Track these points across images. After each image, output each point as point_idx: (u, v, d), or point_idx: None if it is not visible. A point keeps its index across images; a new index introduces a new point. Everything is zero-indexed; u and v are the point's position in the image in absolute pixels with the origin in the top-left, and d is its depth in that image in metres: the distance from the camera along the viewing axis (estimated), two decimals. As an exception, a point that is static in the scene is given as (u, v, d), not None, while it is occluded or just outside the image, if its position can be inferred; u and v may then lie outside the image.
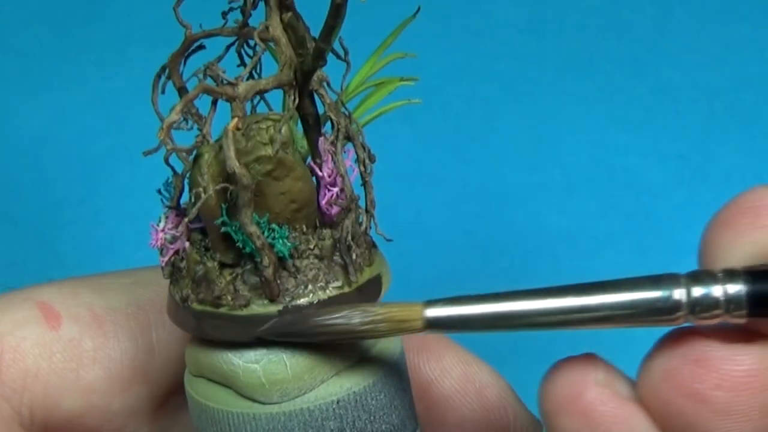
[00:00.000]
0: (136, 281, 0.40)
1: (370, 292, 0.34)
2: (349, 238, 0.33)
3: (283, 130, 0.33)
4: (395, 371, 0.34)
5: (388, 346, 0.34)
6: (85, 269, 0.61)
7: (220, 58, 0.34)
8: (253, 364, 0.34)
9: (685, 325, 0.31)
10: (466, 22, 0.62)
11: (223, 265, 0.34)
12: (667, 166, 0.61)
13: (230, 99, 0.32)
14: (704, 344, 0.31)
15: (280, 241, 0.33)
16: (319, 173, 0.33)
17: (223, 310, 0.33)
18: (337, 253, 0.33)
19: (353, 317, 0.33)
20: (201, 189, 0.32)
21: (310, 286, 0.33)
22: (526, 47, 0.62)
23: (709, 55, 0.61)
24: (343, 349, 0.33)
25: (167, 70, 0.34)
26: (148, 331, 0.39)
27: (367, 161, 0.34)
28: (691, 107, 0.61)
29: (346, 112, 0.34)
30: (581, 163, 0.62)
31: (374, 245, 0.35)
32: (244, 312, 0.33)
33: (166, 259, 0.34)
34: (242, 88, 0.32)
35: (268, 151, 0.32)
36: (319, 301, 0.33)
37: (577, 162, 0.62)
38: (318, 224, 0.34)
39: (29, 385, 0.37)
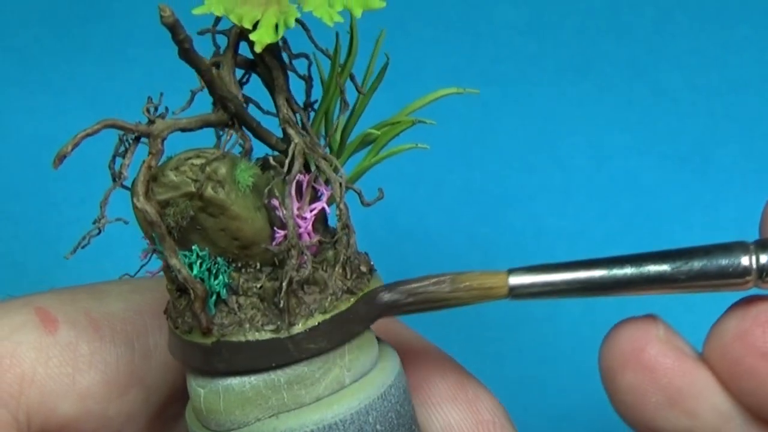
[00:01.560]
0: (134, 288, 0.40)
1: (307, 341, 0.33)
2: (287, 283, 0.33)
3: (219, 170, 0.33)
4: (346, 424, 0.34)
5: (342, 398, 0.34)
6: (85, 269, 0.61)
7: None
8: (200, 388, 0.34)
9: (753, 290, 0.33)
10: (466, 24, 0.63)
11: (182, 290, 0.34)
12: (667, 166, 0.61)
13: (145, 135, 0.32)
14: None
15: (221, 276, 0.33)
16: (276, 214, 0.33)
17: (177, 332, 0.34)
18: (282, 297, 0.33)
19: (443, 283, 0.34)
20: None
21: (246, 325, 0.33)
22: (526, 49, 0.62)
23: (709, 56, 0.61)
24: (296, 388, 0.33)
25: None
26: (145, 336, 0.39)
27: (343, 207, 0.33)
28: (691, 108, 0.61)
29: (321, 153, 0.34)
30: (581, 164, 0.62)
31: (354, 290, 0.34)
32: (188, 338, 0.34)
33: (155, 271, 0.35)
34: (159, 125, 0.32)
35: (191, 188, 0.33)
36: (248, 341, 0.33)
37: (577, 163, 0.62)
38: (278, 263, 0.34)
39: (26, 390, 0.37)
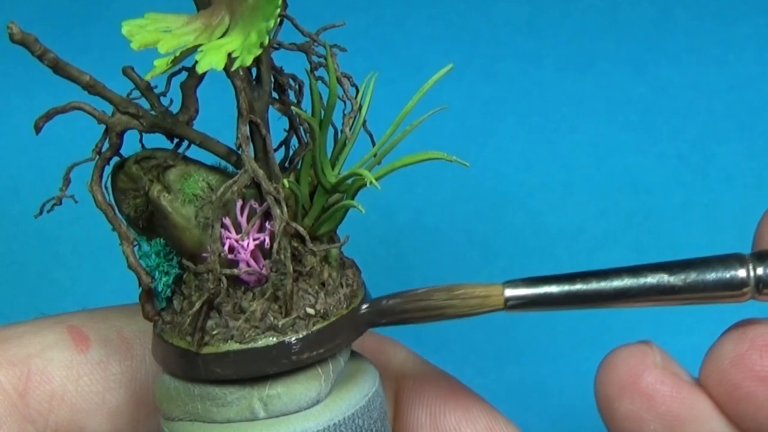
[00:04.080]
0: None
1: (215, 365, 0.32)
2: (200, 305, 0.32)
3: (168, 175, 0.33)
4: None
5: (248, 429, 0.33)
6: (85, 269, 0.61)
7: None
8: (158, 375, 0.35)
9: (750, 302, 0.34)
10: (466, 22, 0.62)
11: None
12: (667, 166, 0.61)
13: (103, 123, 0.33)
14: None
15: (169, 276, 0.34)
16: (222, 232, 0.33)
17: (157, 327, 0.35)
18: (195, 317, 0.33)
19: (439, 292, 0.34)
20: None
21: (176, 330, 0.33)
22: (525, 47, 0.62)
23: (709, 55, 0.61)
24: (207, 404, 0.33)
25: None
26: None
27: (282, 244, 0.32)
28: (691, 107, 0.61)
29: (271, 185, 0.33)
30: (581, 162, 0.62)
31: (280, 330, 0.33)
32: (156, 330, 0.35)
33: None
34: (116, 119, 0.33)
35: (144, 184, 0.33)
36: (172, 344, 0.33)
37: (576, 162, 0.62)
38: (198, 283, 0.34)
39: (55, 408, 0.37)
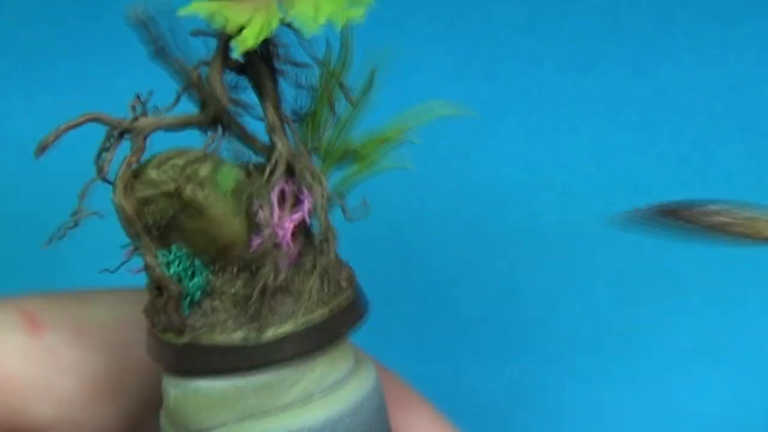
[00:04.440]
0: (125, 298, 0.40)
1: (275, 351, 0.33)
2: (259, 291, 0.32)
3: (200, 171, 0.33)
4: None
5: (308, 411, 0.33)
6: (86, 269, 0.61)
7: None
8: (171, 389, 0.34)
9: None
10: (466, 23, 0.62)
11: (160, 289, 0.34)
12: (667, 166, 0.61)
13: (128, 131, 0.32)
14: None
15: (197, 278, 0.33)
16: (256, 220, 0.33)
17: (154, 330, 0.34)
18: (254, 303, 0.33)
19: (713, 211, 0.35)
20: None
21: (218, 329, 0.33)
22: (525, 48, 0.62)
23: (709, 55, 0.61)
24: (263, 395, 0.33)
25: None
26: (129, 347, 0.38)
27: (324, 218, 0.33)
28: (691, 107, 0.61)
29: (306, 162, 0.33)
30: (581, 162, 0.62)
31: (329, 303, 0.34)
32: (162, 337, 0.34)
33: (137, 269, 0.35)
34: (142, 122, 0.32)
35: (171, 187, 0.33)
36: (217, 345, 0.33)
37: (576, 162, 0.62)
38: (254, 270, 0.33)
39: (6, 392, 0.37)
